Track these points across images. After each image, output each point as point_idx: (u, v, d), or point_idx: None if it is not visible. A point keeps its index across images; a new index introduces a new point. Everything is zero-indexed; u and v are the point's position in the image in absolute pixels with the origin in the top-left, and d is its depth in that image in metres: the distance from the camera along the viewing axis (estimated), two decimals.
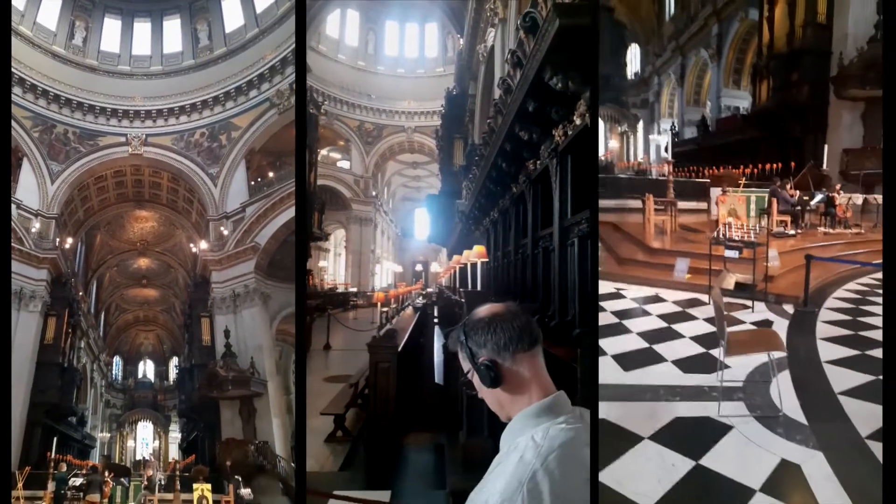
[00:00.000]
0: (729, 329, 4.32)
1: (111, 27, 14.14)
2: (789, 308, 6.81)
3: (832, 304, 6.98)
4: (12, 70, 12.00)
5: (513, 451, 1.15)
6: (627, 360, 5.23)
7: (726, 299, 5.91)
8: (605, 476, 3.35)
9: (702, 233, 10.58)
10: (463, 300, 4.88)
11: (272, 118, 13.25)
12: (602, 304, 7.36)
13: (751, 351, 4.41)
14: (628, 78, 26.92)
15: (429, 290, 19.03)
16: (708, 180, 13.69)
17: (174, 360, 16.82)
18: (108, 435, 15.10)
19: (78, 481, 8.73)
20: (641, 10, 26.02)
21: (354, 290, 22.17)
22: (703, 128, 21.86)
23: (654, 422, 4.00)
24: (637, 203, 11.03)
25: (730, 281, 7.04)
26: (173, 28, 14.26)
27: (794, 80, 16.48)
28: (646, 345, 5.73)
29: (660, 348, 5.59)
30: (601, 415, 4.06)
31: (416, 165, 25.90)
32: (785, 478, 3.32)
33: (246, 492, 8.42)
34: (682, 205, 11.16)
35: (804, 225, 11.01)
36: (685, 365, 5.12)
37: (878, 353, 4.95)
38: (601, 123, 26.29)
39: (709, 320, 6.42)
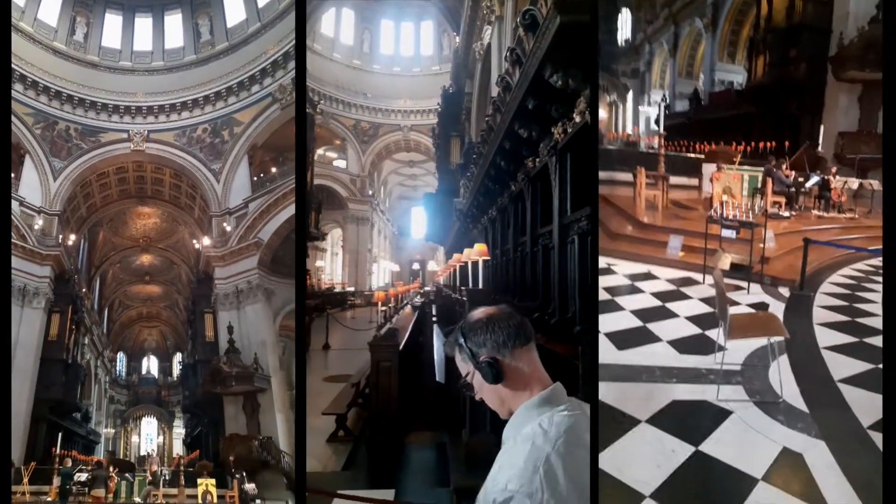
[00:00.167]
0: (730, 312, 4.29)
1: (112, 23, 14.18)
2: (784, 291, 6.78)
3: (828, 290, 6.96)
4: (13, 67, 12.10)
5: (521, 440, 1.22)
6: (621, 339, 5.20)
7: (713, 279, 5.91)
8: (604, 460, 3.33)
9: (693, 209, 10.44)
10: (465, 298, 4.91)
11: (274, 113, 13.27)
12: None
13: (752, 335, 4.39)
14: (619, 44, 26.46)
15: (426, 288, 19.07)
16: (701, 156, 13.46)
17: (178, 357, 16.95)
18: (113, 431, 15.25)
19: (83, 476, 8.83)
20: None
21: (352, 289, 22.27)
22: (696, 101, 21.52)
23: (651, 404, 3.98)
24: (626, 176, 10.78)
25: (725, 261, 6.94)
26: (174, 23, 14.29)
27: (792, 57, 16.15)
28: (640, 323, 5.70)
29: (654, 327, 5.56)
30: (600, 394, 4.04)
31: (412, 164, 25.96)
32: (787, 467, 3.28)
33: (250, 487, 8.51)
34: (672, 180, 10.98)
35: (798, 207, 10.86)
36: (681, 345, 5.08)
37: (876, 340, 4.97)
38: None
39: (704, 300, 6.37)
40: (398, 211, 29.26)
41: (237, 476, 8.61)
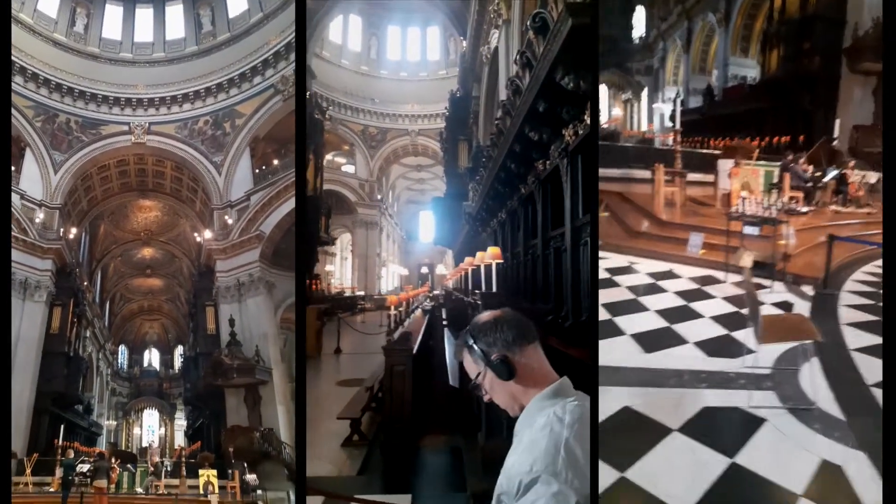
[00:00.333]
0: (763, 314, 4.16)
1: (113, 13, 14.20)
2: (807, 289, 6.67)
3: (852, 287, 6.83)
4: (13, 59, 12.19)
5: (537, 429, 1.33)
6: (647, 341, 5.18)
7: (743, 278, 5.86)
8: (635, 473, 3.25)
9: (711, 206, 10.36)
10: (478, 302, 4.95)
11: (276, 105, 13.32)
12: (615, 278, 7.30)
13: (784, 338, 4.22)
14: (633, 42, 26.50)
15: (435, 292, 19.24)
16: (717, 151, 13.36)
17: (179, 349, 17.15)
18: (115, 423, 15.47)
19: (85, 467, 8.95)
20: None
21: (361, 293, 22.60)
22: (709, 97, 21.47)
23: (681, 412, 3.88)
24: (643, 173, 10.71)
25: (747, 259, 6.92)
26: (176, 13, 14.33)
27: (806, 49, 15.96)
28: (665, 324, 5.66)
29: (680, 328, 5.52)
30: (626, 401, 4.01)
31: (420, 168, 26.35)
32: (828, 480, 3.16)
33: (251, 477, 8.64)
34: (687, 177, 10.97)
35: (816, 202, 10.76)
36: (708, 347, 5.02)
37: None
38: (604, 90, 26.00)
39: (728, 300, 6.31)
40: (406, 215, 29.63)
41: (238, 467, 8.72)
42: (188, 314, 15.65)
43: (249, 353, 11.45)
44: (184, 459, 9.33)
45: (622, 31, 25.03)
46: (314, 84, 19.50)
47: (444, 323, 8.61)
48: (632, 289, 6.84)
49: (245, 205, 13.45)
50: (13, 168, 12.49)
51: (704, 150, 14.70)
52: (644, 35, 26.58)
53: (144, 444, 14.61)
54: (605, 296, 6.53)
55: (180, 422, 15.41)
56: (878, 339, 4.96)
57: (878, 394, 3.96)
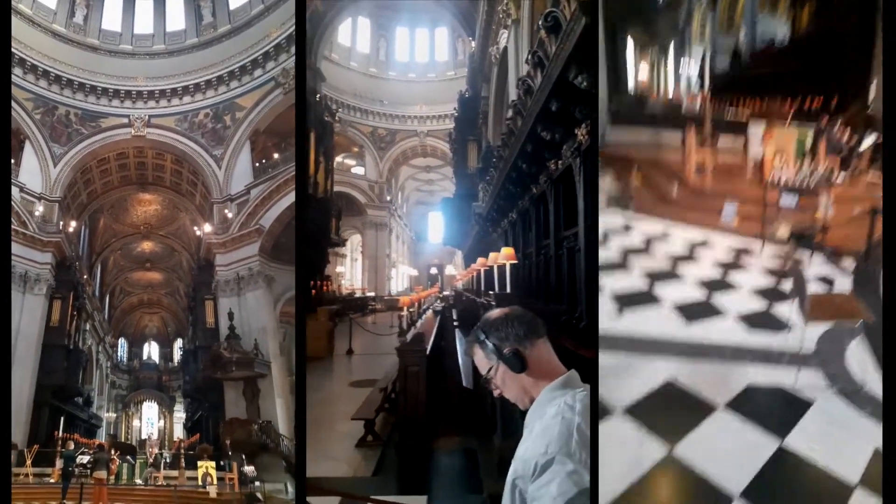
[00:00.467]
0: (810, 292, 4.10)
1: (112, 4, 14.24)
2: (848, 263, 6.37)
3: None
4: (13, 50, 12.30)
5: (548, 417, 1.42)
6: (687, 312, 5.13)
7: (781, 249, 5.77)
8: (683, 450, 3.26)
9: (741, 174, 9.66)
10: (492, 303, 5.01)
11: (277, 98, 13.39)
12: (652, 245, 7.19)
13: (833, 318, 4.10)
14: (658, 2, 25.99)
15: (445, 293, 19.37)
16: (746, 116, 12.80)
17: (178, 342, 17.33)
18: (114, 415, 15.68)
19: (85, 459, 9.15)
20: None
21: (372, 294, 22.91)
22: (737, 58, 20.73)
23: (725, 388, 3.83)
24: (672, 138, 10.19)
25: (784, 230, 6.58)
26: (176, 5, 14.38)
27: (837, 4, 15.37)
28: (704, 295, 5.58)
29: (718, 300, 5.44)
30: (667, 375, 4.00)
31: (429, 169, 26.54)
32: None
33: (249, 469, 8.81)
34: (719, 141, 10.39)
35: (852, 170, 9.81)
36: (749, 322, 4.93)
37: None
38: (630, 52, 25.59)
39: (767, 272, 6.16)
40: (415, 216, 29.94)
41: (237, 459, 8.88)
42: (187, 308, 15.82)
43: (248, 347, 11.60)
44: (183, 451, 9.53)
45: None
46: (323, 87, 19.66)
47: (456, 324, 8.69)
48: (667, 258, 6.71)
49: (245, 198, 13.56)
50: (12, 161, 12.62)
51: (734, 116, 14.07)
52: None
53: (144, 436, 14.83)
54: (642, 263, 6.47)
55: (179, 414, 15.61)
56: None
57: None
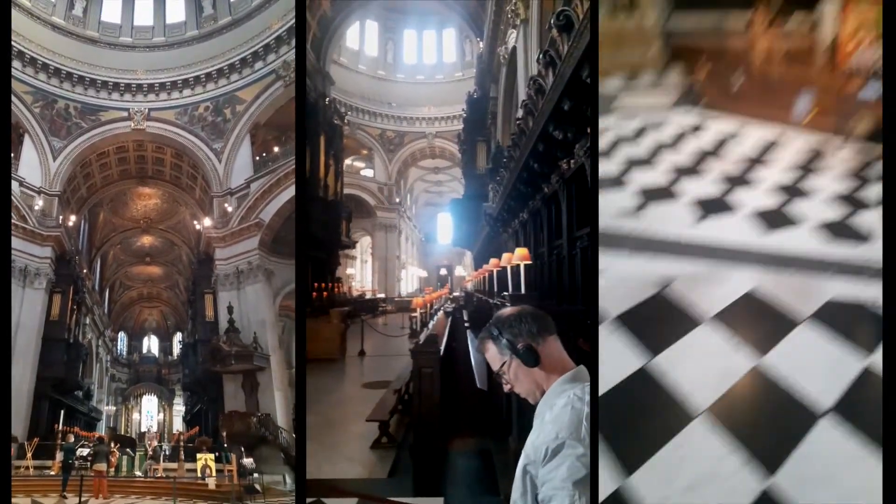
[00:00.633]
0: None
1: None
2: None
3: None
4: (12, 43, 12.39)
5: (558, 408, 1.52)
6: (765, 219, 5.00)
7: (862, 148, 5.21)
8: (769, 361, 3.28)
9: (811, 60, 8.18)
10: (508, 304, 5.05)
11: (278, 91, 13.47)
12: (723, 148, 6.89)
13: None
14: None
15: (455, 294, 19.53)
16: None
17: (178, 336, 17.53)
18: (114, 408, 15.93)
19: (85, 451, 9.30)
20: None
21: (382, 295, 23.24)
22: None
23: (806, 301, 3.79)
24: (734, 21, 8.76)
25: (864, 125, 5.81)
26: None
27: None
28: (779, 201, 5.38)
29: (794, 207, 5.25)
30: (747, 286, 4.01)
31: (437, 170, 26.95)
32: None
33: (248, 461, 8.95)
34: (787, 22, 8.43)
35: None
36: (826, 232, 4.78)
37: None
38: None
39: (843, 175, 5.83)
40: (424, 217, 30.27)
41: (236, 451, 9.01)
42: (187, 301, 16.00)
43: (247, 340, 11.76)
44: (182, 444, 9.67)
45: None
46: (333, 90, 19.99)
47: (467, 325, 8.72)
48: (739, 160, 6.40)
49: (245, 192, 13.62)
50: (11, 154, 12.73)
51: None
52: None
53: (143, 429, 15.07)
54: (714, 168, 6.27)
55: (179, 407, 15.84)
56: None
57: None
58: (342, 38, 22.09)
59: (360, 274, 25.96)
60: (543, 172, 6.33)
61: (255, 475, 8.92)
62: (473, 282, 13.66)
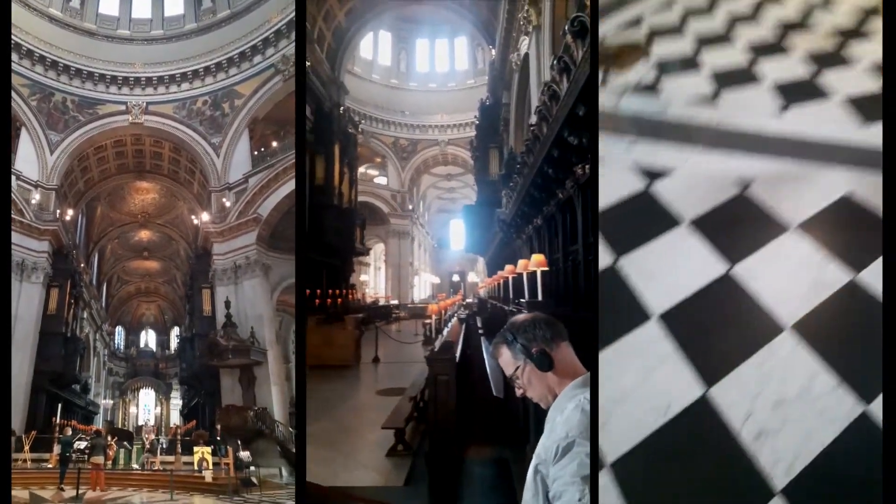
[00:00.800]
0: None
1: None
2: None
3: None
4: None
5: (569, 411, 1.61)
6: (864, 108, 4.56)
7: None
8: (866, 278, 3.18)
9: None
10: (524, 311, 5.04)
11: (277, 85, 13.56)
12: (809, 19, 6.15)
13: None
14: None
15: (468, 300, 19.70)
16: None
17: (175, 330, 17.69)
18: (111, 402, 16.10)
19: (82, 444, 9.45)
20: None
21: (395, 302, 23.58)
22: None
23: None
24: None
25: None
26: None
27: None
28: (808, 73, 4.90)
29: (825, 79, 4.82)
30: (842, 189, 3.80)
31: (450, 177, 27.39)
32: None
33: (245, 454, 9.10)
34: None
35: None
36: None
37: None
38: None
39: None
40: (437, 224, 30.79)
41: (232, 444, 9.16)
42: (185, 296, 16.15)
43: (245, 335, 11.91)
44: (179, 437, 9.81)
45: None
46: (347, 99, 20.41)
47: (481, 332, 8.79)
48: (830, 34, 5.70)
49: (243, 187, 13.73)
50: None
51: None
52: None
53: (140, 423, 15.25)
54: (799, 44, 5.55)
55: (176, 401, 16.02)
56: None
57: None
58: (356, 49, 22.61)
59: (373, 280, 26.48)
60: (558, 178, 6.35)
61: (252, 468, 9.08)
62: (487, 288, 13.83)
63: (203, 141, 14.04)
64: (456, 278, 30.16)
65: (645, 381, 3.25)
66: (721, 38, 5.97)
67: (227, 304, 12.35)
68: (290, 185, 12.93)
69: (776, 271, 3.61)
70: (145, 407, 16.39)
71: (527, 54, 12.57)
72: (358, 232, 19.06)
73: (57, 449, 9.61)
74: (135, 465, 9.58)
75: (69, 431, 9.98)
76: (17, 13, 12.67)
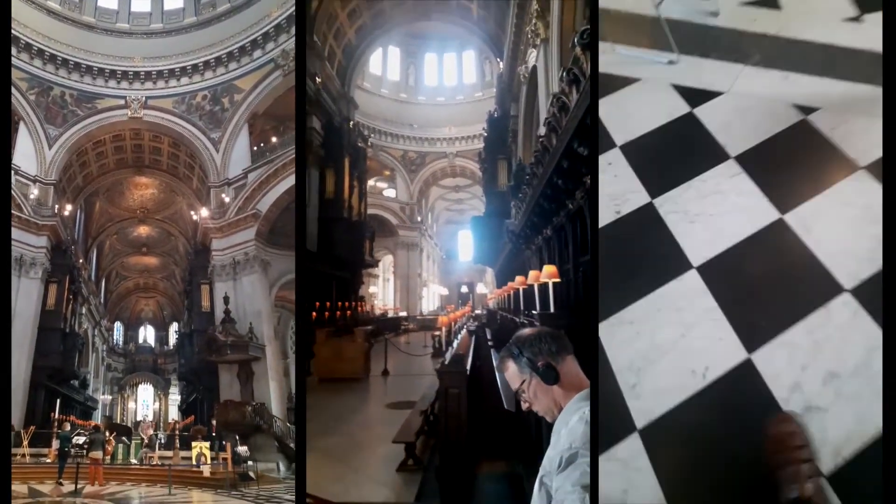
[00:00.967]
0: None
1: None
2: None
3: None
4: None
5: (573, 423, 1.64)
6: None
7: None
8: None
9: None
10: (536, 323, 4.95)
11: (276, 80, 13.63)
12: None
13: None
14: None
15: (477, 312, 19.89)
16: None
17: (174, 326, 17.87)
18: (110, 397, 16.29)
19: (81, 439, 9.58)
20: None
21: (404, 314, 23.95)
22: None
23: None
24: None
25: None
26: None
27: None
28: None
29: None
30: None
31: (458, 189, 27.81)
32: None
33: (242, 449, 9.23)
34: None
35: None
36: None
37: None
38: None
39: None
40: (445, 235, 31.30)
41: (230, 439, 9.28)
42: (183, 292, 16.30)
43: (243, 331, 12.03)
44: (177, 432, 9.94)
45: None
46: (356, 114, 20.96)
47: (491, 344, 8.77)
48: None
49: (242, 183, 13.79)
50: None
51: None
52: None
53: (139, 418, 15.43)
54: None
55: (174, 396, 16.21)
56: None
57: None
58: (366, 64, 23.19)
59: (382, 292, 26.88)
60: (568, 188, 6.39)
61: (250, 463, 9.21)
62: (496, 299, 13.90)
63: (202, 136, 14.11)
64: (464, 289, 30.58)
65: (681, 340, 3.04)
66: None
67: (226, 300, 12.46)
68: (290, 181, 13.00)
69: (837, 222, 3.17)
70: (144, 402, 16.59)
71: (535, 66, 12.75)
72: (367, 244, 19.42)
73: (56, 444, 9.74)
74: (133, 460, 9.74)
75: (68, 426, 10.12)
76: (16, 6, 12.69)
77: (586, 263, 5.97)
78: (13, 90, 12.96)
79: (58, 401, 11.93)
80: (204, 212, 14.15)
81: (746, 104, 3.89)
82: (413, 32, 24.02)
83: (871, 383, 2.62)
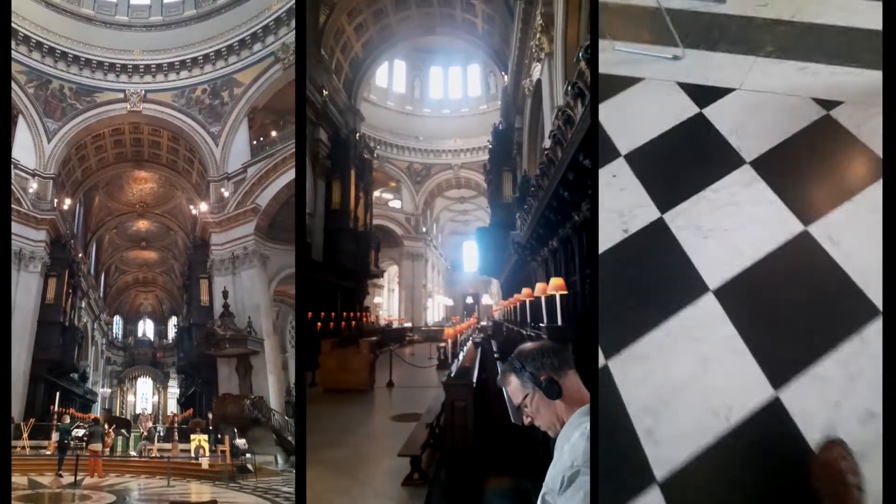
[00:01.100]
0: None
1: None
2: None
3: None
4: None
5: (575, 439, 1.65)
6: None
7: None
8: None
9: None
10: (543, 336, 4.95)
11: (276, 74, 13.69)
12: None
13: None
14: None
15: (482, 323, 20.10)
16: None
17: (173, 320, 18.02)
18: (109, 390, 16.47)
19: (80, 432, 9.72)
20: None
21: (409, 324, 24.19)
22: None
23: None
24: None
25: None
26: None
27: None
28: None
29: None
30: None
31: (462, 200, 28.45)
32: None
33: (241, 442, 9.37)
34: None
35: None
36: None
37: None
38: None
39: None
40: (450, 246, 31.76)
41: (229, 432, 9.42)
42: (182, 286, 16.42)
43: (242, 325, 12.16)
44: (176, 425, 10.07)
45: None
46: (363, 126, 21.31)
47: (497, 356, 8.77)
48: None
49: (242, 177, 13.85)
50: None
51: None
52: None
53: (138, 411, 15.60)
54: None
55: (173, 390, 16.37)
56: None
57: None
58: (372, 77, 23.62)
59: (386, 303, 27.22)
60: (573, 200, 6.43)
61: (248, 455, 9.35)
62: (502, 311, 13.95)
63: (202, 130, 14.17)
64: (469, 300, 30.81)
65: (700, 376, 2.71)
66: None
67: (225, 294, 12.59)
68: (290, 175, 13.06)
69: (869, 233, 2.70)
70: (143, 395, 16.75)
71: (539, 80, 12.93)
72: (372, 254, 19.70)
73: (55, 436, 9.88)
74: (132, 453, 9.88)
75: (67, 419, 10.24)
76: None
77: (589, 276, 6.03)
78: (12, 83, 13.03)
79: (57, 393, 12.08)
80: (203, 206, 14.22)
81: (760, 101, 3.53)
82: (419, 46, 24.54)
83: None
